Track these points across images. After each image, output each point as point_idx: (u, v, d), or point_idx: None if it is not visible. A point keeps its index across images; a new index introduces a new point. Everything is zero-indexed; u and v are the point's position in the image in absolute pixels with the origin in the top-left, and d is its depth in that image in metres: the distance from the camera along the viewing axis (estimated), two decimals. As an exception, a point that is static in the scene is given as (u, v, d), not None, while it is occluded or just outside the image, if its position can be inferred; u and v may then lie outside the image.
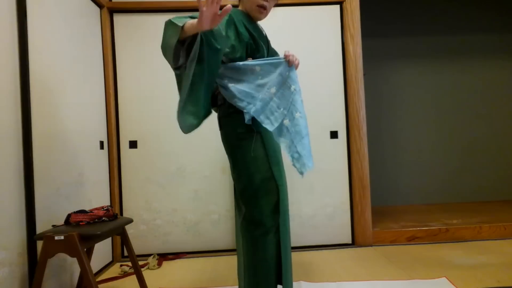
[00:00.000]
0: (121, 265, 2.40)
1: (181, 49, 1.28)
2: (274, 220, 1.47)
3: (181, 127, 1.42)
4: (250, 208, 1.49)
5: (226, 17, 1.44)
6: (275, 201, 1.48)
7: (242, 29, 1.47)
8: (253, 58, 1.52)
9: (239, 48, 1.46)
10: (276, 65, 1.45)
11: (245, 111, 1.44)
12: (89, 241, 1.58)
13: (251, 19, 1.57)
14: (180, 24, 1.21)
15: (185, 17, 1.27)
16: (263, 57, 1.55)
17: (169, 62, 1.35)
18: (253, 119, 1.48)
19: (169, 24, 1.28)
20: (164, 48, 1.33)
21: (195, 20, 1.18)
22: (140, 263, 2.26)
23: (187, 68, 1.30)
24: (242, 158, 1.50)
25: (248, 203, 1.50)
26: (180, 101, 1.38)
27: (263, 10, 1.51)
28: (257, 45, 1.54)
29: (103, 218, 1.72)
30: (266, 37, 1.64)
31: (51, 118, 1.89)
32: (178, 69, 1.36)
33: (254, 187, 1.47)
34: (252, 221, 1.49)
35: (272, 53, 1.67)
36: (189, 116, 1.37)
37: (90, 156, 2.31)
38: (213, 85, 1.45)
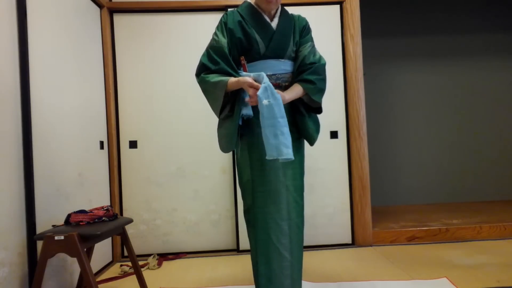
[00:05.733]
0: (121, 265, 2.39)
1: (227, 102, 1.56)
2: (248, 225, 1.61)
3: (223, 150, 1.66)
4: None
5: (221, 21, 1.60)
6: (248, 205, 1.58)
7: (233, 26, 1.55)
8: (245, 56, 1.56)
9: (231, 48, 1.56)
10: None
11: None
12: (89, 241, 1.58)
13: (257, 12, 1.59)
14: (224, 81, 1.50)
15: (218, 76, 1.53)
16: (257, 52, 1.57)
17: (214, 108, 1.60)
18: (244, 123, 1.54)
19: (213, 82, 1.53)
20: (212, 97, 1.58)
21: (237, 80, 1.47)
22: (140, 263, 2.26)
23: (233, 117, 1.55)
24: (236, 158, 1.68)
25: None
26: (226, 134, 1.59)
27: (270, 0, 1.55)
28: (250, 41, 1.55)
29: (103, 218, 1.72)
30: (274, 29, 1.59)
31: (51, 118, 1.89)
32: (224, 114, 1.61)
33: (241, 187, 1.62)
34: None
35: (279, 44, 1.59)
36: (233, 144, 1.58)
37: (90, 156, 2.31)
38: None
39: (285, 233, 1.48)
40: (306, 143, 1.71)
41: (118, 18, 2.71)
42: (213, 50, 1.56)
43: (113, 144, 2.64)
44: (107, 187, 2.58)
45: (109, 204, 2.58)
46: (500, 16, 4.22)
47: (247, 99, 1.46)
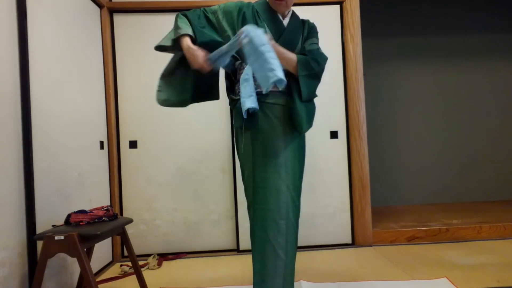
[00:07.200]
0: (121, 265, 2.40)
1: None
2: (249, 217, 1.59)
3: (158, 101, 1.64)
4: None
5: (237, 8, 1.63)
6: (249, 201, 1.57)
7: (248, 16, 1.59)
8: None
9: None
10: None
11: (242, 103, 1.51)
12: (89, 241, 1.58)
13: (271, 9, 1.64)
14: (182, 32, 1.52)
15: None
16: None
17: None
18: (248, 116, 1.52)
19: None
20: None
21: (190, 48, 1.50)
22: (140, 263, 2.25)
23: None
24: (238, 152, 1.67)
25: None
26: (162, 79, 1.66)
27: (280, 1, 1.58)
28: None
29: (103, 218, 1.72)
30: (284, 28, 1.63)
31: (51, 118, 1.89)
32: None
33: (244, 183, 1.62)
34: None
35: (289, 40, 1.62)
36: (168, 93, 1.64)
37: (90, 156, 2.31)
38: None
39: (283, 232, 1.47)
40: (307, 147, 1.69)
41: (118, 18, 2.71)
42: (200, 10, 1.61)
43: (113, 144, 2.64)
44: (107, 187, 2.58)
45: (109, 204, 2.58)
46: (500, 16, 4.22)
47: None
